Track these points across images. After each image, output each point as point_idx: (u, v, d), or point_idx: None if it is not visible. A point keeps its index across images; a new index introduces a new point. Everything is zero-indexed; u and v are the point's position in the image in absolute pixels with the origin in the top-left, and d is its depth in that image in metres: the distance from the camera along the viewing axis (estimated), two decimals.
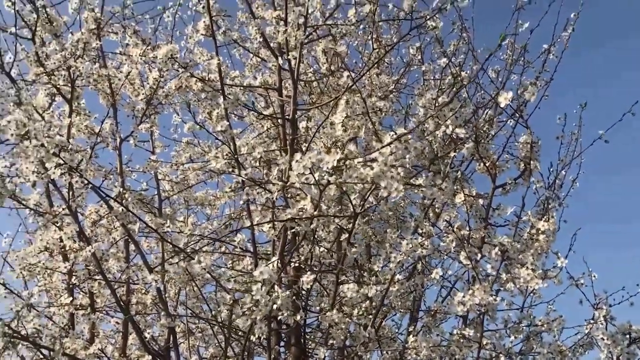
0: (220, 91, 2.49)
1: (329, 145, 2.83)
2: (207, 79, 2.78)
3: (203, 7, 2.63)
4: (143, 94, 2.75)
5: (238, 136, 2.99)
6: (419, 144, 1.70)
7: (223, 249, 3.15)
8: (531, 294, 2.54)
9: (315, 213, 1.80)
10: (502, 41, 2.03)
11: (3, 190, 2.37)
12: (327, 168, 1.67)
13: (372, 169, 1.67)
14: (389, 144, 1.65)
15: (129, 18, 3.08)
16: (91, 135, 2.98)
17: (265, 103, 3.53)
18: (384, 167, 1.66)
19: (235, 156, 2.34)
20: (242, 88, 2.96)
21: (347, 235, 2.10)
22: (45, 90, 2.77)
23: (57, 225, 2.62)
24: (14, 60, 2.68)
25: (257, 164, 2.43)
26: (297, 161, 1.69)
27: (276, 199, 2.19)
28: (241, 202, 2.24)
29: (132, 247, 2.87)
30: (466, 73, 2.83)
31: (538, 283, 2.33)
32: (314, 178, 1.71)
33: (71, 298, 2.65)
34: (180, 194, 3.31)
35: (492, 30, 3.43)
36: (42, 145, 1.89)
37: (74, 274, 2.66)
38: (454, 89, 2.82)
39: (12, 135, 1.88)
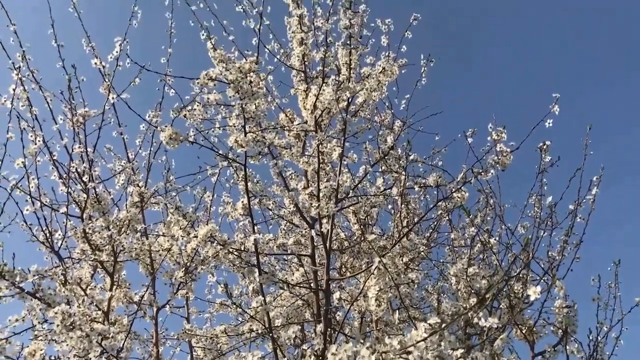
0: (256, 266, 2.58)
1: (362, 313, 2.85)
2: (243, 249, 2.89)
3: (242, 184, 2.81)
4: (182, 265, 2.85)
5: (271, 304, 3.03)
6: (453, 337, 1.71)
7: None
8: None
9: None
10: (526, 244, 2.10)
11: None
12: None
13: None
14: (424, 340, 1.67)
15: (170, 190, 3.30)
16: (129, 304, 3.06)
17: (299, 261, 3.61)
18: None
19: (271, 335, 2.37)
20: (276, 256, 3.05)
21: None
22: (89, 264, 2.90)
23: None
24: (63, 237, 2.85)
25: (291, 341, 2.45)
26: (332, 354, 1.71)
27: None
28: None
29: None
30: (495, 239, 2.89)
31: None
32: None
33: None
34: None
35: (518, 187, 3.55)
36: (87, 335, 1.96)
37: None
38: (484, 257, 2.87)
39: (58, 326, 1.96)
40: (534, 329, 2.84)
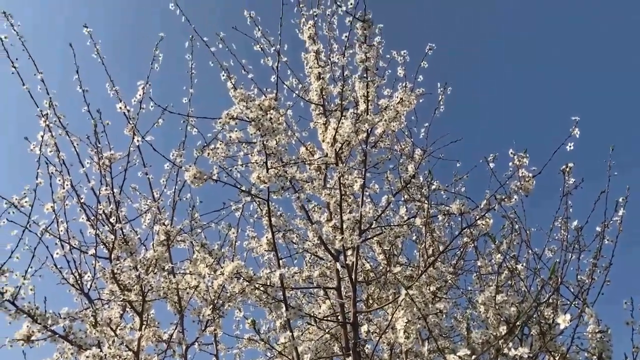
0: (283, 301, 2.58)
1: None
2: (269, 284, 2.90)
3: (265, 219, 2.84)
4: (209, 302, 2.87)
5: (299, 339, 3.02)
6: None
7: None
8: None
9: None
10: (552, 272, 2.08)
11: None
12: None
13: None
14: None
15: (195, 227, 3.34)
16: (159, 343, 3.08)
17: (325, 293, 3.60)
18: None
19: None
20: (302, 290, 3.05)
21: None
22: (118, 305, 2.93)
23: None
24: (93, 279, 2.90)
25: None
26: None
27: None
28: None
29: None
30: (522, 265, 2.86)
31: None
32: None
33: None
34: None
35: (543, 210, 3.53)
36: None
37: None
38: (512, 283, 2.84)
39: None
40: (567, 355, 2.78)
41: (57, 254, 2.81)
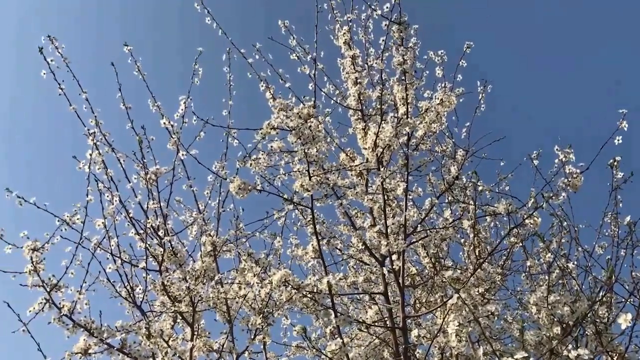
0: (331, 308, 2.59)
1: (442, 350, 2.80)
2: (315, 290, 2.91)
3: (309, 227, 2.85)
4: (257, 311, 2.90)
5: (349, 345, 3.02)
6: None
7: None
8: None
9: None
10: (610, 274, 2.03)
11: None
12: None
13: None
14: None
15: (240, 237, 3.38)
16: (210, 353, 3.12)
17: (371, 298, 3.59)
18: None
19: None
20: (349, 297, 3.05)
21: None
22: (169, 316, 2.99)
23: None
24: (144, 291, 2.96)
25: None
26: None
27: None
28: None
29: None
30: (573, 264, 2.79)
31: None
32: None
33: None
34: None
35: (590, 206, 3.44)
36: None
37: None
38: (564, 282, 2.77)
39: None
40: (626, 355, 2.70)
41: (109, 268, 2.88)
